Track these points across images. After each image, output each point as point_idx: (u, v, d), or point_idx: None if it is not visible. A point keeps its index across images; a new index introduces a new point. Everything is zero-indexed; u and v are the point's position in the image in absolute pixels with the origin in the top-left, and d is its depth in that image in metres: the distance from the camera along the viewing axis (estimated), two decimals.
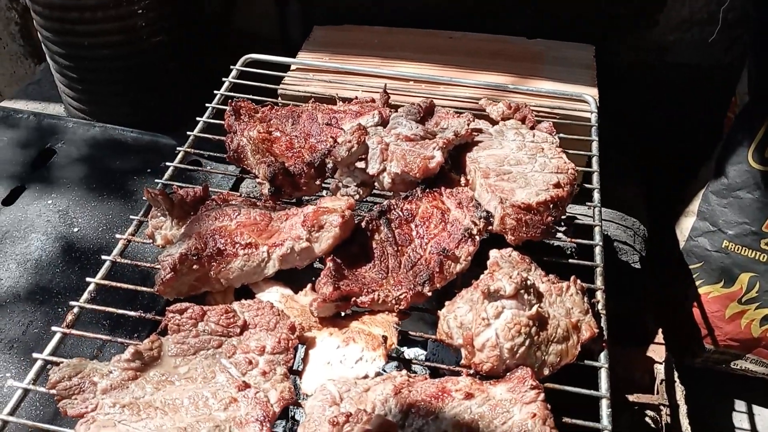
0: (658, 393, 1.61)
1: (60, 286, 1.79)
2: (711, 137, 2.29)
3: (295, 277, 1.47)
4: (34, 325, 1.69)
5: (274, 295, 1.40)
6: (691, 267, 2.19)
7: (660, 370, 1.66)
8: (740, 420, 2.23)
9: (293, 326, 1.29)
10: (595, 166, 1.73)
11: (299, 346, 1.32)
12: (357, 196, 1.62)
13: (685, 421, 1.53)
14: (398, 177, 1.58)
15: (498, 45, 2.30)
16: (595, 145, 1.79)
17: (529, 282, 1.30)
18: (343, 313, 1.39)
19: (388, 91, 1.89)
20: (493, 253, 1.42)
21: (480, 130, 1.74)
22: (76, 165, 2.17)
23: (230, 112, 1.79)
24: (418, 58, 2.23)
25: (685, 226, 2.22)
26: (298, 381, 1.29)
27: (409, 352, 1.92)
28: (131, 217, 1.60)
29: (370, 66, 2.16)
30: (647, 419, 1.55)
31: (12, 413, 1.22)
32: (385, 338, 1.26)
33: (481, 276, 1.37)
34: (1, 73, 3.23)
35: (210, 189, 1.63)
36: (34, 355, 1.30)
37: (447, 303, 1.35)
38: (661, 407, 1.55)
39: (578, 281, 1.38)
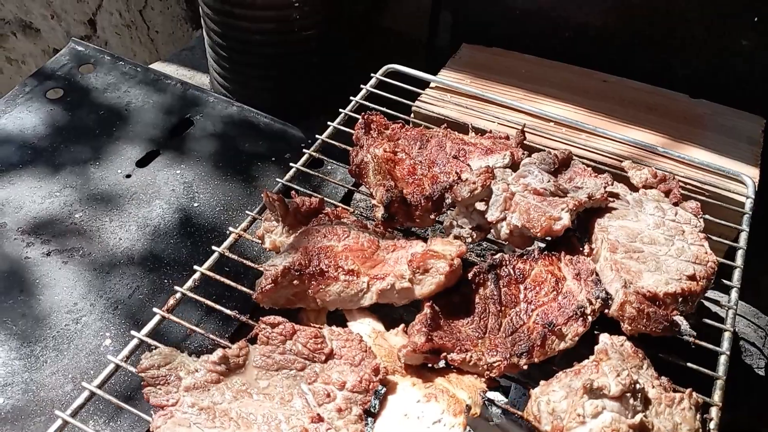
0: None
1: (170, 258, 1.86)
2: None
3: (391, 307, 1.44)
4: (139, 291, 1.77)
5: (366, 327, 1.37)
6: None
7: None
8: None
9: (377, 368, 1.25)
10: (739, 261, 1.55)
11: (380, 387, 1.28)
12: (470, 239, 1.55)
13: None
14: (517, 230, 1.50)
15: (656, 98, 2.13)
16: (743, 237, 1.61)
17: (638, 386, 1.18)
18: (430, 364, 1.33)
19: (525, 131, 1.80)
20: (604, 339, 1.31)
21: (617, 196, 1.61)
22: (208, 139, 2.25)
23: (361, 124, 1.77)
24: (564, 97, 2.10)
25: None
26: (371, 423, 1.26)
27: (491, 395, 1.84)
28: (247, 212, 1.62)
29: (512, 98, 2.06)
30: None
31: (101, 386, 1.28)
32: (468, 408, 1.20)
33: (585, 362, 1.27)
34: (161, 32, 3.42)
35: (325, 200, 1.63)
36: (132, 332, 1.36)
37: (542, 382, 1.26)
38: None
39: (694, 394, 1.23)
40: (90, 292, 1.76)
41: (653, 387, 1.23)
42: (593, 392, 1.15)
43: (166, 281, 1.80)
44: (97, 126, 2.27)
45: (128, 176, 2.10)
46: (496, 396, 1.84)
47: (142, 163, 2.16)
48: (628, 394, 1.16)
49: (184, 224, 1.96)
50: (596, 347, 1.29)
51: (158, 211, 1.99)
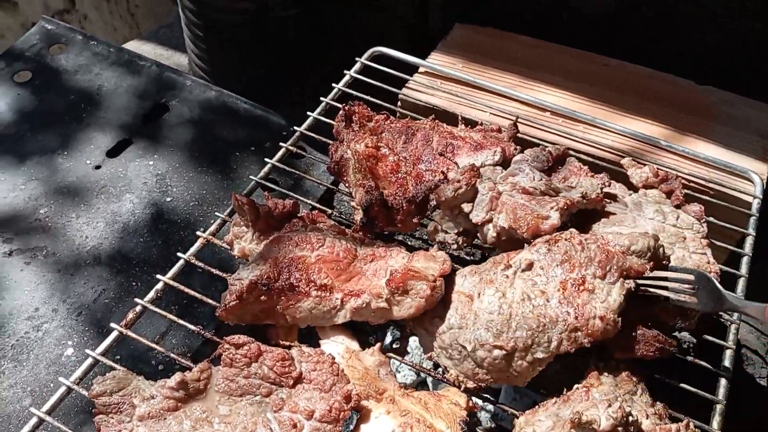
0: None
1: (139, 258, 1.75)
2: None
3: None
4: (105, 295, 1.67)
5: (339, 346, 1.27)
6: None
7: None
8: None
9: (349, 395, 1.15)
10: (743, 270, 1.44)
11: (352, 415, 1.19)
12: (455, 246, 1.44)
13: None
14: (504, 232, 1.38)
15: (660, 85, 1.98)
16: (749, 242, 1.49)
17: (631, 418, 1.08)
18: (405, 385, 1.24)
19: (519, 123, 1.67)
20: (596, 363, 1.21)
21: (614, 197, 1.49)
22: (184, 127, 2.12)
23: (341, 116, 1.64)
24: (562, 83, 1.96)
25: None
26: None
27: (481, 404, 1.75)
28: (216, 214, 1.51)
29: (506, 84, 1.93)
30: None
31: (51, 412, 1.18)
32: None
33: (576, 386, 1.17)
34: (141, 6, 3.26)
35: (301, 200, 1.52)
36: (87, 351, 1.26)
37: (528, 411, 1.16)
38: None
39: (691, 425, 1.14)
40: (53, 296, 1.66)
41: (647, 417, 1.13)
42: (582, 427, 1.06)
43: (134, 284, 1.70)
44: (67, 112, 2.13)
45: (98, 167, 1.98)
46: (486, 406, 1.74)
47: (112, 153, 2.03)
48: (620, 429, 1.06)
49: (155, 221, 1.85)
50: (588, 372, 1.19)
51: (128, 206, 1.87)
